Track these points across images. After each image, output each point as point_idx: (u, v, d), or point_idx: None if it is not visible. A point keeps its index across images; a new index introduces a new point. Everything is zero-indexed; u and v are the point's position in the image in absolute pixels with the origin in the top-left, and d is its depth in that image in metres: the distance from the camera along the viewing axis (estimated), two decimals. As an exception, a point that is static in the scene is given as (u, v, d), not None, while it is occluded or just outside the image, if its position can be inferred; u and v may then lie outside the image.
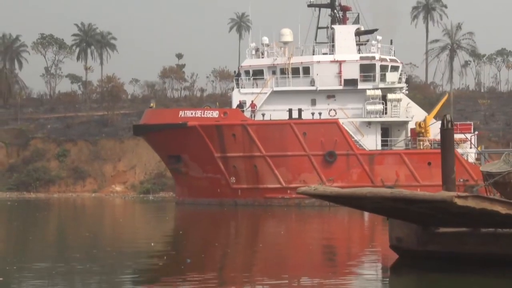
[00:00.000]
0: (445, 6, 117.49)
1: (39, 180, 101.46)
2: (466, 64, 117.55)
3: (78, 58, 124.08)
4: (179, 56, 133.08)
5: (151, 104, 76.71)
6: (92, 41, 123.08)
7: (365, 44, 73.48)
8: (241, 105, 69.72)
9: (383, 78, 70.25)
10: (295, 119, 68.14)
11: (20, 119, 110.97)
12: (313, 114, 68.54)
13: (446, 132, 27.58)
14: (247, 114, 68.99)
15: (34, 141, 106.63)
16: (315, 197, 28.53)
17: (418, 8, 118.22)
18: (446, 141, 27.77)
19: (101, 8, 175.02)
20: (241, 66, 72.82)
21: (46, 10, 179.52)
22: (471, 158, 68.90)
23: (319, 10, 74.19)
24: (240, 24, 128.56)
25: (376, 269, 27.15)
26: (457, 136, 67.62)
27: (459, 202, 22.07)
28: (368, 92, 69.04)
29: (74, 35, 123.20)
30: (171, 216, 60.29)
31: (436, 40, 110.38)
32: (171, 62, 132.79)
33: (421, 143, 68.49)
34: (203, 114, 68.61)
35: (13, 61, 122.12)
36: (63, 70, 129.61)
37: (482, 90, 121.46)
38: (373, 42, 72.37)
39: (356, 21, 73.36)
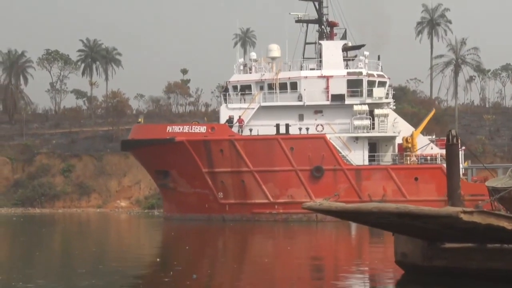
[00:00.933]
0: (450, 22, 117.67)
1: (44, 196, 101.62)
2: (470, 79, 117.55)
3: (83, 74, 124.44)
4: (184, 71, 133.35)
5: (139, 119, 76.73)
6: (97, 56, 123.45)
7: (353, 59, 73.74)
8: (230, 120, 69.86)
9: (370, 94, 70.43)
10: (282, 134, 68.26)
11: (25, 135, 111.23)
12: (300, 129, 68.75)
13: (451, 148, 27.58)
14: (235, 129, 69.17)
15: (39, 156, 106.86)
16: (320, 212, 28.46)
17: (423, 23, 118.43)
18: (452, 157, 27.75)
19: (106, 24, 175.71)
20: (229, 82, 72.75)
21: (52, 26, 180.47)
22: None
23: (307, 26, 74.61)
24: (245, 39, 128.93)
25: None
26: (443, 151, 68.64)
27: (465, 217, 22.04)
28: (355, 108, 69.22)
29: (79, 50, 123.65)
30: (176, 231, 60.22)
31: (441, 56, 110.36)
32: (176, 77, 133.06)
33: (408, 158, 68.55)
34: (191, 129, 68.76)
35: (19, 76, 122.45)
36: (68, 85, 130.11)
37: (487, 105, 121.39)
38: (361, 57, 72.66)
39: (344, 37, 73.69)
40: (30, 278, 27.87)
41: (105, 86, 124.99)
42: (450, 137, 27.37)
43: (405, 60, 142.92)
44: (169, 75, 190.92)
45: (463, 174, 69.33)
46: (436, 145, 70.52)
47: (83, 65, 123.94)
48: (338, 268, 32.68)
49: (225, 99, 72.24)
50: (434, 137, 73.11)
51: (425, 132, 73.11)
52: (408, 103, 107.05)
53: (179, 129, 69.00)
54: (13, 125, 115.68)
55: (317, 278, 28.92)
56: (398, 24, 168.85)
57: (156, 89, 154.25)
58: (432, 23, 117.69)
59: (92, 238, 53.21)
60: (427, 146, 68.22)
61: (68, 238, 55.13)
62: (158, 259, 34.13)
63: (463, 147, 72.56)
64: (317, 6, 74.02)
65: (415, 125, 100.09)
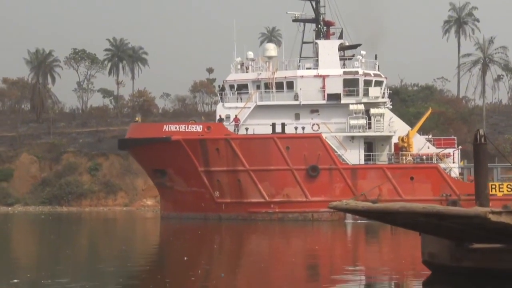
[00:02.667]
0: (477, 20, 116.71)
1: (71, 194, 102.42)
2: (498, 78, 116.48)
3: (110, 73, 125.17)
4: (210, 70, 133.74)
5: (136, 118, 77.24)
6: (124, 56, 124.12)
7: (350, 59, 73.78)
8: (221, 119, 70.17)
9: (366, 93, 70.42)
10: (278, 133, 68.47)
11: (52, 134, 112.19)
12: (296, 128, 69.00)
13: (479, 147, 27.48)
14: (231, 128, 69.40)
15: (66, 155, 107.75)
16: (347, 211, 28.52)
17: (450, 22, 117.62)
18: (479, 156, 27.67)
19: (132, 23, 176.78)
20: (226, 81, 72.90)
21: (79, 25, 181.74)
22: (454, 173, 69.19)
23: (304, 25, 74.65)
24: (271, 38, 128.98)
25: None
26: (439, 151, 69.39)
27: (493, 218, 22.01)
28: (351, 107, 69.28)
29: (106, 50, 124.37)
30: (202, 229, 60.48)
31: (468, 54, 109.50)
32: (202, 76, 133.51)
33: (404, 157, 68.67)
34: (187, 128, 69.18)
35: (46, 76, 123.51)
36: (95, 84, 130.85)
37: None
38: (358, 57, 72.56)
39: (340, 36, 73.74)
40: (59, 275, 28.23)
41: (131, 85, 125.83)
42: (478, 136, 27.29)
43: (431, 59, 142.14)
44: (195, 74, 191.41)
45: (460, 174, 69.89)
46: (433, 144, 70.87)
47: (109, 64, 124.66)
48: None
49: (221, 98, 72.57)
50: (431, 136, 73.32)
51: (421, 132, 73.20)
52: (436, 102, 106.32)
53: (176, 128, 69.41)
54: (40, 124, 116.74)
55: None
56: (424, 21, 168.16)
57: (182, 88, 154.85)
58: (459, 22, 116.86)
59: (119, 237, 53.68)
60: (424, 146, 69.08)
61: (96, 236, 55.63)
62: (185, 258, 34.30)
63: (460, 147, 73.06)
64: (314, 6, 74.17)
65: (443, 124, 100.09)
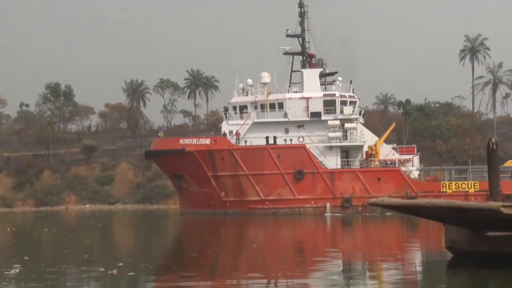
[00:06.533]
0: (488, 49, 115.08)
1: (160, 195, 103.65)
2: (507, 96, 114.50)
3: (188, 97, 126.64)
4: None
5: (159, 134, 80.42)
6: (200, 83, 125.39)
7: (331, 84, 74.25)
8: (225, 134, 71.58)
9: (342, 111, 71.16)
10: (271, 144, 69.53)
11: (144, 147, 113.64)
12: (285, 140, 69.95)
13: (492, 153, 27.24)
14: (233, 141, 70.60)
15: (155, 164, 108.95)
16: (383, 207, 28.53)
17: (465, 50, 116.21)
18: (492, 160, 27.40)
19: (207, 57, 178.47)
20: (230, 103, 74.02)
21: (164, 59, 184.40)
22: (413, 174, 69.78)
23: (293, 57, 75.41)
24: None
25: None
26: (402, 157, 69.90)
27: (505, 210, 21.83)
28: (330, 122, 70.18)
29: (185, 79, 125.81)
30: (276, 224, 60.63)
31: (481, 77, 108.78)
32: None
33: (372, 162, 69.64)
34: (198, 141, 70.53)
35: (139, 100, 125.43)
36: (177, 107, 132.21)
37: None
38: (336, 82, 73.33)
39: (320, 65, 74.43)
40: (154, 261, 28.68)
41: (206, 106, 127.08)
42: (490, 144, 27.04)
43: (449, 81, 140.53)
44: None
45: (418, 175, 70.48)
46: (397, 151, 71.74)
47: (188, 90, 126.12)
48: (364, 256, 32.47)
49: (226, 117, 73.66)
50: (395, 145, 74.35)
51: (387, 141, 73.65)
52: (454, 116, 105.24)
53: (189, 141, 70.85)
54: (135, 139, 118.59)
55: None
56: (443, 51, 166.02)
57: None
58: (473, 50, 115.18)
59: (200, 227, 54.30)
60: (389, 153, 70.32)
61: (182, 229, 56.38)
62: (254, 245, 34.56)
63: (419, 153, 73.29)
64: (301, 41, 74.78)
65: (460, 133, 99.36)
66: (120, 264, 26.43)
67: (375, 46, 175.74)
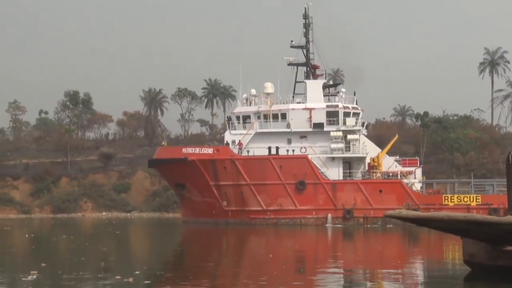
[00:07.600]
0: (508, 62, 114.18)
1: (176, 203, 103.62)
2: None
3: (206, 106, 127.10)
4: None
5: (163, 143, 79.64)
6: (217, 93, 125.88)
7: (336, 95, 74.05)
8: (227, 144, 71.47)
9: (344, 122, 70.91)
10: (273, 155, 69.39)
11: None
12: (288, 151, 69.83)
13: (511, 166, 26.93)
14: (235, 150, 70.48)
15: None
16: (400, 219, 28.32)
17: (485, 63, 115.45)
18: (511, 174, 27.10)
19: (224, 67, 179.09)
20: (233, 113, 74.18)
21: (182, 68, 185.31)
22: (415, 187, 69.49)
23: (297, 68, 75.17)
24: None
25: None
26: (404, 169, 69.53)
27: (523, 225, 21.58)
28: (332, 133, 70.01)
29: (203, 88, 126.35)
30: (296, 236, 60.42)
31: (500, 90, 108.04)
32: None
33: (374, 174, 69.32)
34: (201, 150, 70.46)
35: (157, 109, 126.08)
36: (194, 116, 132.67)
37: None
38: (340, 93, 73.13)
39: (323, 77, 74.53)
40: (170, 269, 28.73)
41: (223, 116, 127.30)
42: (510, 157, 26.78)
43: (468, 94, 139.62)
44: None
45: (420, 188, 70.33)
46: (400, 164, 71.36)
47: (206, 99, 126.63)
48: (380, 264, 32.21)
49: (229, 126, 73.58)
50: (398, 157, 73.61)
51: (389, 153, 73.21)
52: (473, 129, 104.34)
53: (192, 150, 70.85)
54: (152, 147, 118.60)
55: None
56: (462, 63, 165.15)
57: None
58: (493, 63, 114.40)
59: (212, 236, 54.30)
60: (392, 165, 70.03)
61: (197, 237, 56.43)
62: (270, 255, 34.52)
63: (421, 165, 72.82)
64: (305, 52, 74.72)
65: (478, 146, 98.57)
66: (137, 272, 26.51)
67: (397, 58, 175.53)
